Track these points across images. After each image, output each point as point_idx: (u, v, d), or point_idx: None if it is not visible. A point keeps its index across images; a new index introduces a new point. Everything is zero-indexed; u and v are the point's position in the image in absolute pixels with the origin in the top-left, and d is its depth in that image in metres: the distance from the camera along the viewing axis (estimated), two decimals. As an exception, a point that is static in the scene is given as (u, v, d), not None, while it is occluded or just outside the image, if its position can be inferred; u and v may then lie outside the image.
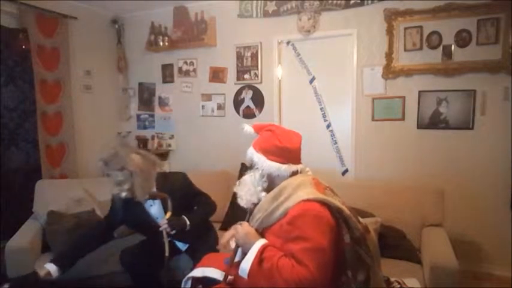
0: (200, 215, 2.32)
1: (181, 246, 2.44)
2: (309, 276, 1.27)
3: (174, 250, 2.38)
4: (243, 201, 1.59)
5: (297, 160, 1.55)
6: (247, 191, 1.57)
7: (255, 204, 1.56)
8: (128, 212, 2.22)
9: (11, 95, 3.40)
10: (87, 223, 2.63)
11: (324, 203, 1.39)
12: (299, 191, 1.42)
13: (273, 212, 1.44)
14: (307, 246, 1.31)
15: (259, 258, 1.38)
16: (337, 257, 1.38)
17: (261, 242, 1.44)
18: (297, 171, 1.52)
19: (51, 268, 2.05)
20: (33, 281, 1.98)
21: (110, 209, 2.33)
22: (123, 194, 2.10)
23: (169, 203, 2.16)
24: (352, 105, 3.34)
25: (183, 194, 2.27)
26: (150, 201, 2.23)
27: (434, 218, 2.53)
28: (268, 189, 1.55)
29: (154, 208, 2.24)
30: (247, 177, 1.60)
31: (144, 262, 2.25)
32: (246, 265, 1.41)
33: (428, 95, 3.06)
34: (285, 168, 1.50)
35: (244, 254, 1.47)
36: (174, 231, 2.10)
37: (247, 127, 1.62)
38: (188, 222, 2.17)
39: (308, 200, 1.38)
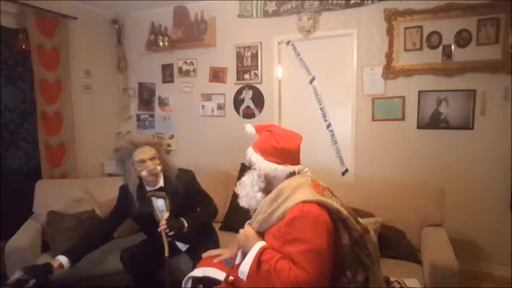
0: (200, 219, 2.32)
1: (182, 246, 2.44)
2: (307, 278, 1.27)
3: (174, 250, 2.38)
4: (243, 203, 1.60)
5: (295, 161, 1.54)
6: (247, 193, 1.58)
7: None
8: (134, 201, 2.25)
9: (11, 95, 3.40)
10: (87, 223, 2.63)
11: (322, 205, 1.38)
12: (297, 193, 1.42)
13: (272, 214, 1.44)
14: (305, 248, 1.31)
15: (258, 261, 1.38)
16: (336, 258, 1.38)
17: (259, 244, 1.44)
18: (295, 172, 1.52)
19: (63, 260, 2.09)
20: (46, 271, 2.02)
21: (116, 201, 2.35)
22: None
23: (168, 204, 2.17)
24: (352, 105, 3.34)
25: (187, 191, 2.31)
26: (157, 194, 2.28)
27: (434, 218, 2.53)
28: (266, 190, 1.55)
29: (160, 201, 2.26)
30: (246, 178, 1.61)
31: (145, 262, 2.25)
32: (244, 267, 1.42)
33: (428, 95, 3.06)
34: (282, 168, 1.49)
35: (244, 256, 1.47)
36: (172, 233, 2.10)
37: (249, 126, 1.62)
38: (186, 225, 2.17)
39: (306, 202, 1.37)
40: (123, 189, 2.34)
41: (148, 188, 2.28)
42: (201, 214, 2.36)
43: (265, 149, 1.52)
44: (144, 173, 2.19)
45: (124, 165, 2.26)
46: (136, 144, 2.22)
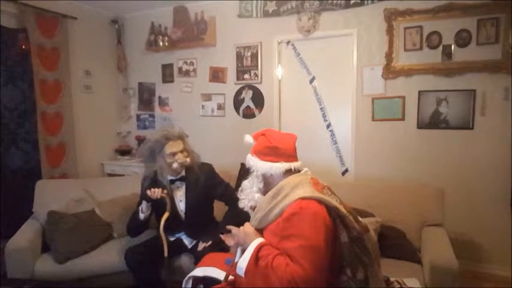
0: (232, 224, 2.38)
1: (188, 243, 2.45)
2: (303, 274, 1.27)
3: (181, 248, 2.42)
4: (242, 204, 1.63)
5: (290, 158, 1.56)
6: (246, 195, 1.61)
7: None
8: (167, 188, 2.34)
9: (11, 95, 3.41)
10: (87, 223, 2.64)
11: (320, 202, 1.39)
12: (297, 190, 1.43)
13: (271, 211, 1.45)
14: (303, 244, 1.31)
15: (256, 257, 1.39)
16: (334, 256, 1.39)
17: (257, 241, 1.44)
18: (291, 169, 1.54)
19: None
20: None
21: (141, 192, 2.43)
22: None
23: (168, 203, 2.23)
24: (352, 105, 3.34)
25: (207, 182, 2.45)
26: (177, 183, 2.40)
27: (434, 218, 2.53)
28: (265, 191, 1.57)
29: (180, 190, 2.42)
30: (247, 181, 1.64)
31: (149, 261, 2.27)
32: (242, 264, 1.43)
33: (428, 95, 3.06)
34: (277, 166, 1.52)
35: (243, 253, 1.48)
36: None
37: (248, 137, 1.66)
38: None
39: (305, 198, 1.38)
40: (147, 179, 2.42)
41: (169, 177, 2.38)
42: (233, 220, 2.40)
43: (260, 150, 1.57)
44: (175, 165, 2.30)
45: (153, 158, 2.35)
46: (169, 137, 2.33)
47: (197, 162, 2.45)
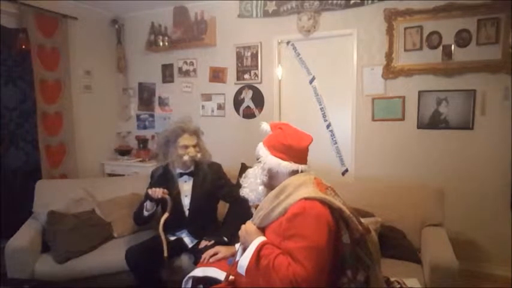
0: (234, 227, 2.37)
1: (189, 242, 2.45)
2: (305, 275, 1.27)
3: (181, 247, 2.42)
4: (244, 193, 1.63)
5: (300, 160, 1.55)
6: (249, 184, 1.61)
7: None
8: (166, 183, 2.39)
9: (11, 95, 3.40)
10: (87, 223, 2.64)
11: (324, 203, 1.39)
12: (300, 190, 1.43)
13: (273, 210, 1.45)
14: (305, 245, 1.31)
15: (257, 256, 1.39)
16: (336, 257, 1.39)
17: (259, 240, 1.44)
18: (298, 170, 1.53)
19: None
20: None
21: (149, 184, 2.47)
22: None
23: (169, 204, 2.24)
24: (352, 105, 3.34)
25: (214, 180, 2.50)
26: (185, 177, 2.46)
27: (434, 218, 2.52)
28: (268, 185, 1.57)
29: (187, 185, 2.47)
30: (251, 170, 1.63)
31: (149, 260, 2.27)
32: (243, 262, 1.42)
33: (428, 95, 3.06)
34: (285, 165, 1.51)
35: (244, 251, 1.48)
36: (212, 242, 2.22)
37: (265, 125, 1.66)
38: (226, 240, 2.26)
39: (308, 199, 1.38)
40: (157, 172, 2.52)
41: (178, 171, 2.45)
42: (234, 223, 2.38)
43: (273, 144, 1.56)
44: (185, 158, 2.38)
45: (167, 147, 2.43)
46: (185, 130, 2.40)
47: (208, 160, 2.50)
